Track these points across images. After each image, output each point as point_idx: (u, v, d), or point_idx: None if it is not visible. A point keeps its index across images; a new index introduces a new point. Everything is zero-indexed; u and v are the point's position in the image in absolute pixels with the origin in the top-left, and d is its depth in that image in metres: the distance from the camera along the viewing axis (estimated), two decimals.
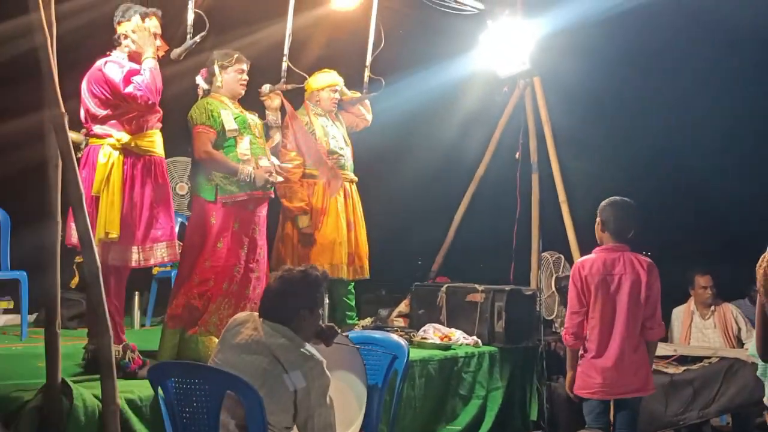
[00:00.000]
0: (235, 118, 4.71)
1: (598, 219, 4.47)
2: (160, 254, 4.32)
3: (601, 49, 7.20)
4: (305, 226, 5.60)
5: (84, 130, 4.29)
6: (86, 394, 3.49)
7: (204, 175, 4.71)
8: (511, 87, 6.90)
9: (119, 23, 4.33)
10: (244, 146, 4.69)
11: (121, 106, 4.19)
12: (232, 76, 4.80)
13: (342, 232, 5.70)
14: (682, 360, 5.88)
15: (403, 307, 6.60)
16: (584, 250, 5.80)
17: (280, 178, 4.87)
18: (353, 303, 5.95)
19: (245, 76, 4.85)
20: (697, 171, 7.60)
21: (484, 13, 6.68)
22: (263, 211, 4.85)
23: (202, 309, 4.59)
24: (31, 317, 6.07)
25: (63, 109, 3.45)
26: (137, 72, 4.18)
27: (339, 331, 3.58)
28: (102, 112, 4.19)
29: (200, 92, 4.87)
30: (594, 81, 7.35)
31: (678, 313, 6.65)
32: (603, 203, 4.46)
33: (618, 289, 4.32)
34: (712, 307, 6.46)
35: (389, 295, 7.13)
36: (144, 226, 4.26)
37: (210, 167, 4.67)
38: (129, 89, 4.11)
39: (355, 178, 5.94)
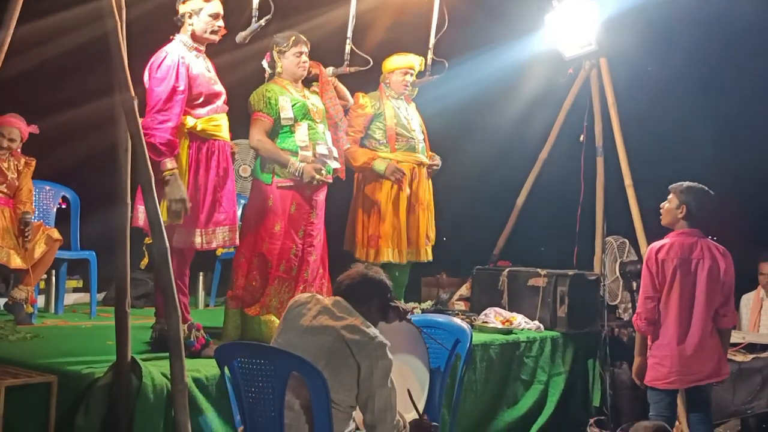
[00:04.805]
0: (293, 105, 4.70)
1: (676, 201, 4.35)
2: (222, 237, 4.35)
3: (672, 28, 6.97)
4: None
5: None
6: (155, 372, 3.56)
7: (261, 160, 4.76)
8: (576, 68, 6.74)
9: (183, 2, 4.30)
10: (301, 133, 4.69)
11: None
12: (290, 59, 4.79)
13: (401, 215, 5.75)
14: (751, 348, 5.74)
15: (464, 290, 6.59)
16: (650, 235, 5.69)
17: (336, 164, 4.85)
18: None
19: (304, 58, 4.82)
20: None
21: None
22: (321, 195, 4.85)
23: (261, 290, 4.64)
24: (99, 296, 6.24)
25: (133, 93, 3.51)
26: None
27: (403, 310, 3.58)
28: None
29: (266, 76, 4.89)
30: (664, 62, 7.15)
31: (747, 299, 6.49)
32: (686, 187, 4.35)
33: (696, 274, 4.25)
34: None
35: (449, 278, 7.11)
36: (207, 209, 4.29)
37: (261, 155, 4.72)
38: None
39: (426, 161, 5.96)
